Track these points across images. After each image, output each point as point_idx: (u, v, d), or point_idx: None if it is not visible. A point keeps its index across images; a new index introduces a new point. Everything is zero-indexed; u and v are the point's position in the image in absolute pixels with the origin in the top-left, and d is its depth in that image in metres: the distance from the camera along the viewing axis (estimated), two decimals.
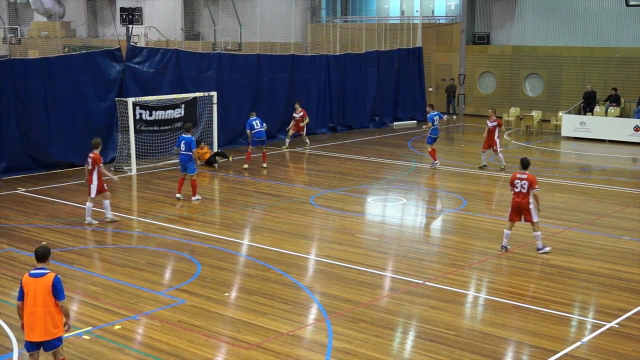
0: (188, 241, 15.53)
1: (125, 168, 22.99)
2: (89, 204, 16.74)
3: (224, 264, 14.14)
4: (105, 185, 16.72)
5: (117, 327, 11.00)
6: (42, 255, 8.74)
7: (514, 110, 34.55)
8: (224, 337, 10.72)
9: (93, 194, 16.55)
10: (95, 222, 16.75)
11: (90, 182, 16.50)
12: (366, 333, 10.82)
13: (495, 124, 23.04)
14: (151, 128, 23.79)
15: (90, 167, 16.49)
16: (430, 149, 23.74)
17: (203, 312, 11.61)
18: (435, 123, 23.47)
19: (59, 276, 8.65)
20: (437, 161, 23.70)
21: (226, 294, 12.50)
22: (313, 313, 11.73)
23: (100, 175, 16.55)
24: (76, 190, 20.25)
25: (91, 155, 16.50)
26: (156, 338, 10.61)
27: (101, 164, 16.56)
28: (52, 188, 20.53)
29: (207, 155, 24.24)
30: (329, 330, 10.94)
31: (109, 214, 16.93)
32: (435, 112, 23.80)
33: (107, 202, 16.80)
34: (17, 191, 20.13)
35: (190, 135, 19.34)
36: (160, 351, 10.16)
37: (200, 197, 19.18)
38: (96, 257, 14.44)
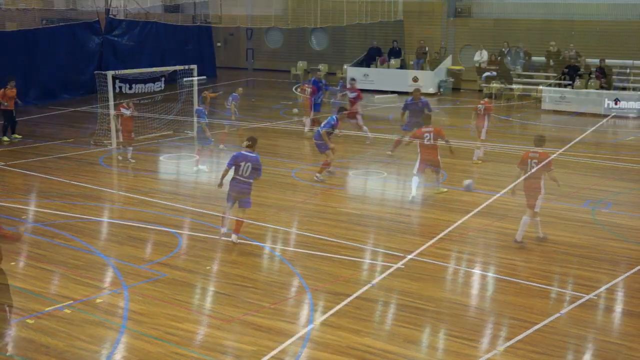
0: (169, 215, 15.50)
1: (105, 142, 22.83)
2: None
3: (205, 237, 14.14)
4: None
5: (98, 300, 10.99)
6: None
7: (494, 84, 34.56)
8: (206, 311, 10.75)
9: None
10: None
11: None
12: (348, 306, 10.88)
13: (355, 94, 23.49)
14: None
15: None
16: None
17: (185, 286, 11.62)
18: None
19: None
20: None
21: (208, 268, 12.51)
22: (295, 286, 11.77)
23: None
24: (55, 164, 20.10)
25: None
26: (137, 312, 10.61)
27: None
28: (32, 162, 20.35)
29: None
30: (311, 302, 11.00)
31: None
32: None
33: None
34: None
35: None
36: (141, 324, 10.17)
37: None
38: (77, 231, 14.37)
